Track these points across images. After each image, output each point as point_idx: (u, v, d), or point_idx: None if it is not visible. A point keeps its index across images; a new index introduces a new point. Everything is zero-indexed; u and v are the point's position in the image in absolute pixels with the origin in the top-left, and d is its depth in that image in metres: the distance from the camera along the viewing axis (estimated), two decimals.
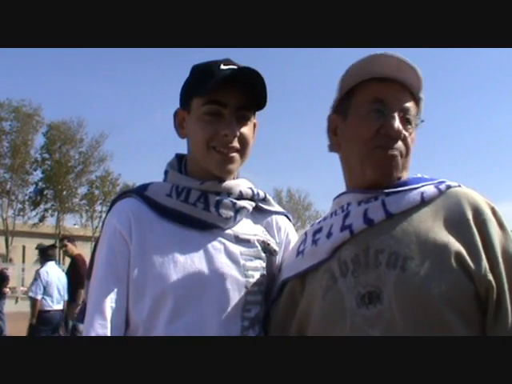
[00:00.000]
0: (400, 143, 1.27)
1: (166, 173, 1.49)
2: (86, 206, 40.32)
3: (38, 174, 38.32)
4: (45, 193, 38.15)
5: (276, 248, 1.48)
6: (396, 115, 1.26)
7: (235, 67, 1.39)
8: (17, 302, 22.61)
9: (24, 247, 39.88)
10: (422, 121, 1.33)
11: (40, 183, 38.23)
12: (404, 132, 1.27)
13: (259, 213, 1.51)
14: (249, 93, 1.38)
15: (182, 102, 1.46)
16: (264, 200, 1.51)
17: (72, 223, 41.00)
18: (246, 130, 1.41)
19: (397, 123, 1.26)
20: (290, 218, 1.60)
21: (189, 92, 1.43)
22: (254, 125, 1.48)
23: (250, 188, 1.49)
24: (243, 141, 1.40)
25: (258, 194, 1.49)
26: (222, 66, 1.39)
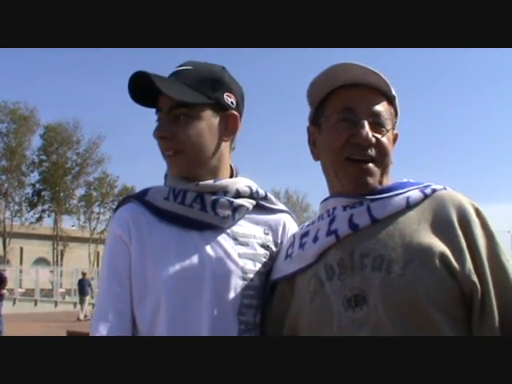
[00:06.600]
0: (372, 150, 1.26)
1: (165, 177, 1.50)
2: (84, 208, 40.31)
3: (35, 176, 38.33)
4: (42, 194, 38.11)
5: (274, 249, 1.47)
6: (365, 123, 1.26)
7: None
8: (14, 303, 22.56)
9: (21, 249, 39.83)
10: (396, 121, 1.33)
11: (37, 185, 38.20)
12: (375, 137, 1.26)
13: (262, 211, 1.50)
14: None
15: None
16: (265, 198, 1.50)
17: (70, 225, 41.03)
18: (187, 127, 1.38)
19: (365, 131, 1.25)
20: (293, 216, 1.59)
21: None
22: (233, 117, 1.44)
23: (249, 186, 1.47)
24: (184, 139, 1.39)
25: (257, 192, 1.48)
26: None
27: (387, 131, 1.29)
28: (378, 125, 1.27)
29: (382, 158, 1.28)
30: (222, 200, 1.41)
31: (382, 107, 1.29)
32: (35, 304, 24.32)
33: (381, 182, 1.29)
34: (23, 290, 26.53)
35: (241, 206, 1.43)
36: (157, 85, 1.34)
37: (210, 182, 1.42)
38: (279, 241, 1.50)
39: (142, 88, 1.37)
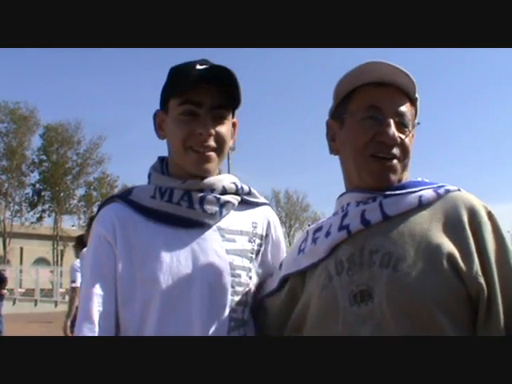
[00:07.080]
0: (396, 148, 1.28)
1: (149, 176, 1.50)
2: (84, 208, 40.27)
3: (35, 176, 38.32)
4: (42, 194, 38.09)
5: (260, 242, 1.49)
6: (391, 122, 1.27)
7: (208, 66, 1.40)
8: (14, 303, 22.55)
9: (22, 249, 39.82)
10: (418, 123, 1.34)
11: (37, 185, 38.18)
12: (400, 137, 1.28)
13: (247, 206, 1.51)
14: (224, 92, 1.39)
15: (161, 103, 1.47)
16: (249, 194, 1.52)
17: (70, 225, 40.99)
18: (222, 128, 1.41)
19: (392, 130, 1.26)
20: (274, 208, 1.63)
21: (166, 93, 1.45)
22: (234, 124, 1.49)
23: (234, 183, 1.49)
24: (220, 139, 1.41)
25: (242, 188, 1.50)
26: (198, 66, 1.39)
27: (409, 132, 1.30)
28: (402, 125, 1.29)
29: (404, 157, 1.30)
30: (209, 197, 1.42)
31: (406, 108, 1.30)
32: (35, 304, 24.31)
33: (400, 180, 1.31)
34: (23, 290, 26.51)
35: (228, 202, 1.44)
36: (237, 84, 1.37)
37: (197, 179, 1.43)
38: (264, 234, 1.52)
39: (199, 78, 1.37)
